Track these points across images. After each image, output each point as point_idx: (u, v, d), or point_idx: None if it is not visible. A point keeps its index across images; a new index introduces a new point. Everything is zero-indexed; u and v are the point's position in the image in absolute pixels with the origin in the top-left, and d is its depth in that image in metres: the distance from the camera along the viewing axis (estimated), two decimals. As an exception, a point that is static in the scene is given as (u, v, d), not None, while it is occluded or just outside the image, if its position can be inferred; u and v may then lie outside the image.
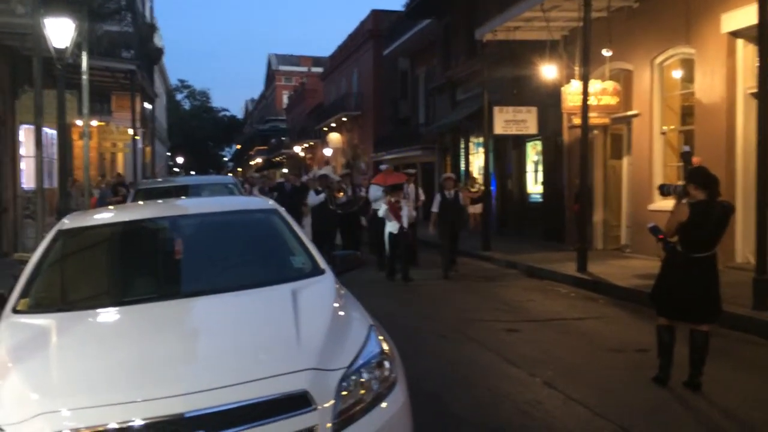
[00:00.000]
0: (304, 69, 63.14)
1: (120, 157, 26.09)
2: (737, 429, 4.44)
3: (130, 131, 20.82)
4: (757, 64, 7.45)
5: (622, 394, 5.15)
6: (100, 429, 2.55)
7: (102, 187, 17.23)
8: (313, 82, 51.71)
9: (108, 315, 3.66)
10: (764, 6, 7.15)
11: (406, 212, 11.18)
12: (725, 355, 5.93)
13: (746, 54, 9.95)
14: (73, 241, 4.35)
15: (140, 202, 8.66)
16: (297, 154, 48.63)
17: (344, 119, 37.13)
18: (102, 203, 13.76)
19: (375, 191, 12.59)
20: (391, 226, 11.09)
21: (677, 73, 11.79)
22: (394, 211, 11.09)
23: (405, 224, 11.09)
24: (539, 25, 13.33)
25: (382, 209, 11.33)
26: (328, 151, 38.70)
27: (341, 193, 13.24)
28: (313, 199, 12.58)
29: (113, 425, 2.55)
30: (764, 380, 5.47)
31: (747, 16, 8.94)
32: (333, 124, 38.91)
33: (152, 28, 31.19)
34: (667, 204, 11.55)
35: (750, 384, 5.36)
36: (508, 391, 5.24)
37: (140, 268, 4.22)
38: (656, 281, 5.46)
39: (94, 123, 19.45)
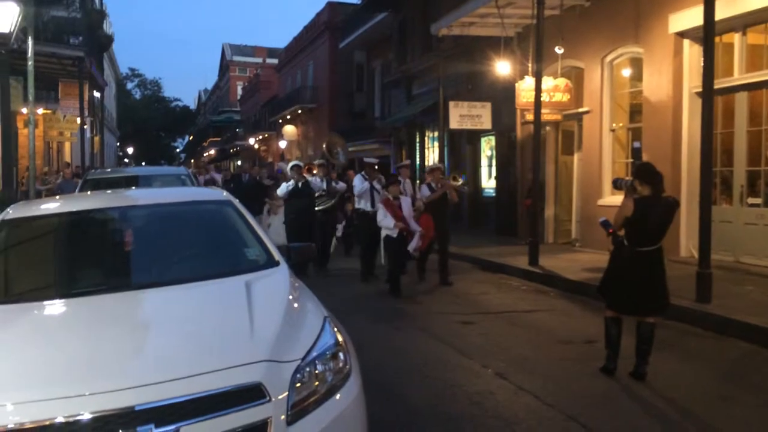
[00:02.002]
0: (258, 60, 62.44)
1: (67, 146, 25.37)
2: (681, 417, 4.59)
3: (78, 120, 20.23)
4: (702, 64, 7.68)
5: (570, 384, 5.26)
6: (47, 423, 2.48)
7: (48, 178, 16.72)
8: (267, 74, 51.19)
9: (55, 307, 3.56)
10: (709, 7, 7.37)
11: (408, 210, 9.37)
12: (669, 346, 6.12)
13: (692, 54, 10.25)
14: (17, 231, 4.23)
15: (89, 193, 8.43)
16: (252, 146, 48.09)
17: (299, 111, 36.89)
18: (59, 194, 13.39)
19: (360, 182, 10.83)
20: (389, 230, 9.19)
21: (626, 72, 12.08)
22: (393, 210, 9.17)
23: (414, 226, 9.29)
24: (494, 21, 13.47)
25: (381, 214, 9.32)
26: (283, 144, 38.40)
27: (315, 170, 11.74)
28: (283, 189, 10.96)
29: (60, 419, 2.48)
30: (706, 370, 5.66)
31: (693, 17, 9.22)
32: (288, 117, 38.61)
33: (101, 14, 30.36)
34: (616, 199, 11.85)
35: (693, 374, 5.55)
36: (461, 382, 5.31)
37: (89, 260, 4.11)
38: (604, 274, 5.59)
39: (40, 111, 18.85)
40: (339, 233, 12.87)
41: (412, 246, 9.19)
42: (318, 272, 10.86)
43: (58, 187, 14.63)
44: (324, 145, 12.24)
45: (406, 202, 9.42)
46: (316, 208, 11.15)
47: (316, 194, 11.19)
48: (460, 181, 10.62)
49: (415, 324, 7.48)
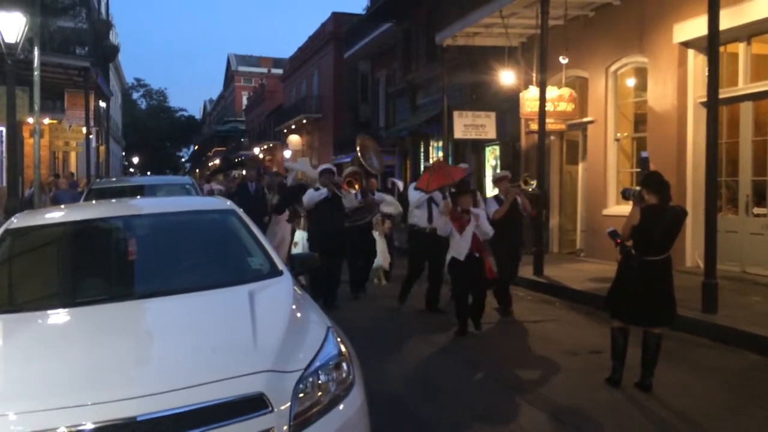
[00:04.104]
0: (263, 70, 62.69)
1: (73, 156, 25.47)
2: (687, 428, 4.56)
3: (84, 130, 20.34)
4: (707, 73, 7.67)
5: (577, 396, 5.22)
6: (49, 433, 2.47)
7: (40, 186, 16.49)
8: (272, 84, 51.41)
9: (58, 317, 3.56)
10: (714, 17, 7.37)
11: (486, 227, 7.28)
12: (675, 357, 6.08)
13: (696, 64, 10.25)
14: (21, 240, 4.24)
15: (93, 202, 8.45)
16: (256, 155, 48.19)
17: (304, 121, 36.98)
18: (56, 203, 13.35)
19: (415, 195, 8.72)
20: (455, 251, 7.26)
21: (631, 82, 12.08)
22: (462, 226, 7.16)
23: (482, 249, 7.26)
24: (498, 31, 13.51)
25: (440, 225, 7.60)
26: (287, 153, 38.49)
27: (356, 186, 9.35)
28: (311, 196, 8.82)
29: (62, 429, 2.48)
30: (713, 381, 5.61)
31: (698, 27, 9.22)
32: (293, 126, 38.71)
33: (108, 24, 30.53)
34: (621, 209, 11.82)
35: (699, 385, 5.50)
36: (466, 394, 5.28)
37: (92, 269, 4.12)
38: (612, 285, 5.56)
39: (46, 121, 18.93)
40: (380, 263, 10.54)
41: (461, 252, 7.21)
42: (355, 297, 9.52)
43: (53, 199, 14.45)
44: (356, 150, 10.11)
45: (480, 217, 7.36)
46: (353, 224, 9.35)
47: (349, 208, 9.33)
48: (533, 185, 9.01)
49: (419, 334, 7.45)
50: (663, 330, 5.36)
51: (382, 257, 10.46)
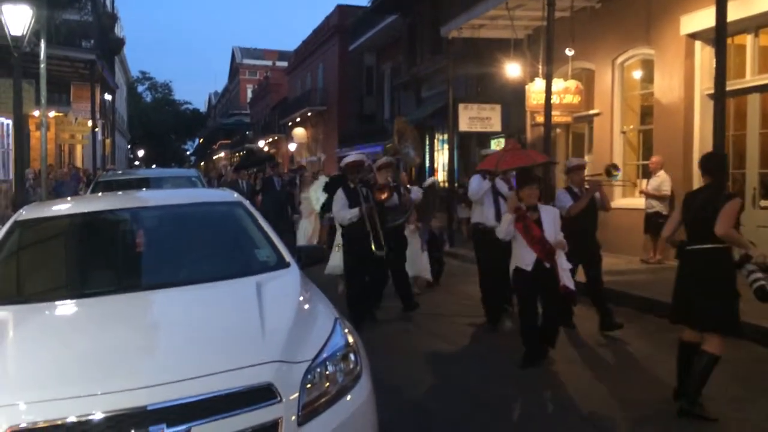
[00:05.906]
0: (268, 63, 62.67)
1: (79, 149, 25.55)
2: (694, 419, 4.56)
3: (90, 123, 20.40)
4: (714, 65, 7.64)
5: (580, 386, 5.23)
6: (59, 422, 2.50)
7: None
8: (277, 77, 51.37)
9: (67, 307, 3.58)
10: (721, 9, 7.33)
11: (554, 229, 5.71)
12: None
13: (704, 56, 10.19)
14: (30, 232, 4.26)
15: (100, 194, 8.48)
16: (261, 148, 48.21)
17: (309, 114, 36.96)
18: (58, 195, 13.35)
19: (477, 184, 7.24)
20: (520, 258, 5.75)
21: (637, 74, 12.03)
22: (527, 227, 5.63)
23: (563, 261, 5.67)
24: (504, 23, 13.45)
25: (503, 225, 5.80)
26: (292, 146, 38.50)
27: (386, 194, 7.61)
28: (344, 212, 7.40)
29: (72, 418, 2.50)
30: (720, 373, 5.52)
31: (705, 19, 9.17)
32: (298, 119, 38.70)
33: (113, 17, 30.58)
34: (626, 202, 11.80)
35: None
36: (469, 383, 5.30)
37: (100, 261, 4.14)
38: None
39: (52, 114, 18.99)
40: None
41: (568, 283, 5.67)
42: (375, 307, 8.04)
43: (54, 191, 14.40)
44: (393, 136, 8.40)
45: (549, 216, 5.76)
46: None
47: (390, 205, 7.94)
48: (617, 176, 7.78)
49: (422, 327, 7.46)
50: (714, 346, 4.62)
51: (413, 264, 8.81)
